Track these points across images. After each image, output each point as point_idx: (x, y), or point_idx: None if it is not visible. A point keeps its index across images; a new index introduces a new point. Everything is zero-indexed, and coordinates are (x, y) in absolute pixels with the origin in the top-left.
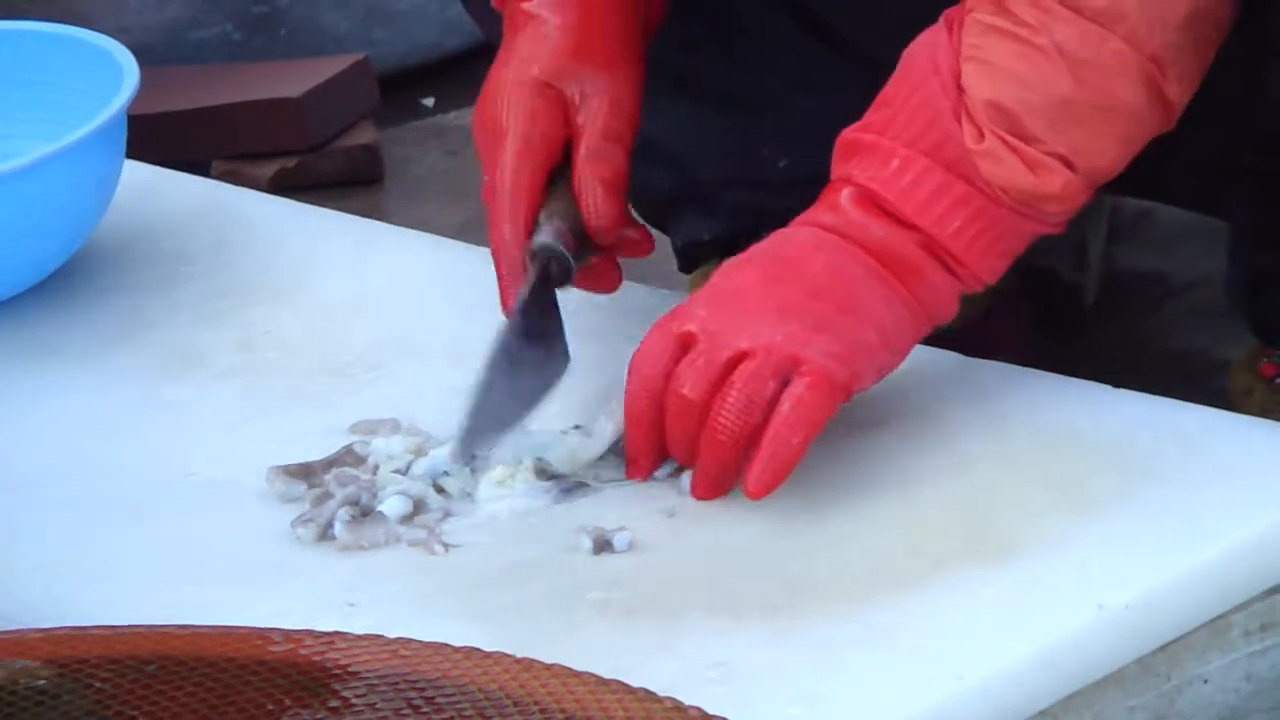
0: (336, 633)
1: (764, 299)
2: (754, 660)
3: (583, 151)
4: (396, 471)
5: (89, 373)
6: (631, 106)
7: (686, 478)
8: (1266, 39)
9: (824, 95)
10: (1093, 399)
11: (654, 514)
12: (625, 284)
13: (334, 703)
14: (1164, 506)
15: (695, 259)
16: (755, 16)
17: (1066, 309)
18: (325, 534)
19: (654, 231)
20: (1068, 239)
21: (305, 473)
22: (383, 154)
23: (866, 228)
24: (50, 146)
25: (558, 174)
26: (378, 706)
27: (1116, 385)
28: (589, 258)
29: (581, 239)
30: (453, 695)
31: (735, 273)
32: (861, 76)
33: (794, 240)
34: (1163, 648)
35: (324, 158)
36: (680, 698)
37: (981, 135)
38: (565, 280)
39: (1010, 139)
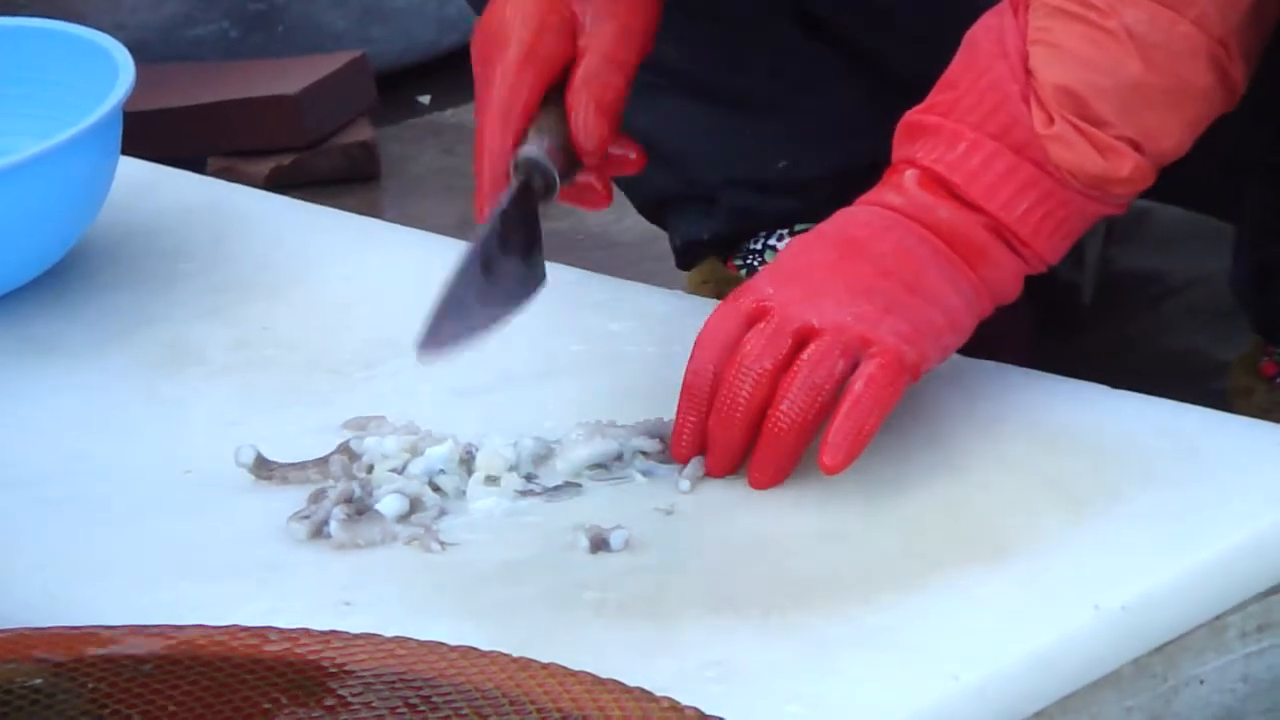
0: (333, 631)
1: (833, 276)
2: (751, 660)
3: (581, 71)
4: (393, 470)
5: (85, 370)
6: (641, 36)
7: (684, 479)
8: None
9: (824, 96)
10: (1090, 399)
11: (651, 513)
12: (624, 282)
13: (330, 701)
14: (1161, 507)
15: (694, 258)
16: (756, 18)
17: (1064, 309)
18: (321, 532)
19: (654, 229)
20: None
21: (284, 470)
22: (379, 151)
23: (934, 210)
24: (45, 144)
25: (554, 93)
26: (374, 705)
27: (1114, 385)
28: (575, 176)
29: (570, 158)
30: (449, 694)
31: (804, 250)
32: (862, 78)
33: (861, 219)
34: (1159, 649)
35: (321, 155)
36: (677, 697)
37: (1051, 119)
38: (548, 195)
39: (1080, 123)
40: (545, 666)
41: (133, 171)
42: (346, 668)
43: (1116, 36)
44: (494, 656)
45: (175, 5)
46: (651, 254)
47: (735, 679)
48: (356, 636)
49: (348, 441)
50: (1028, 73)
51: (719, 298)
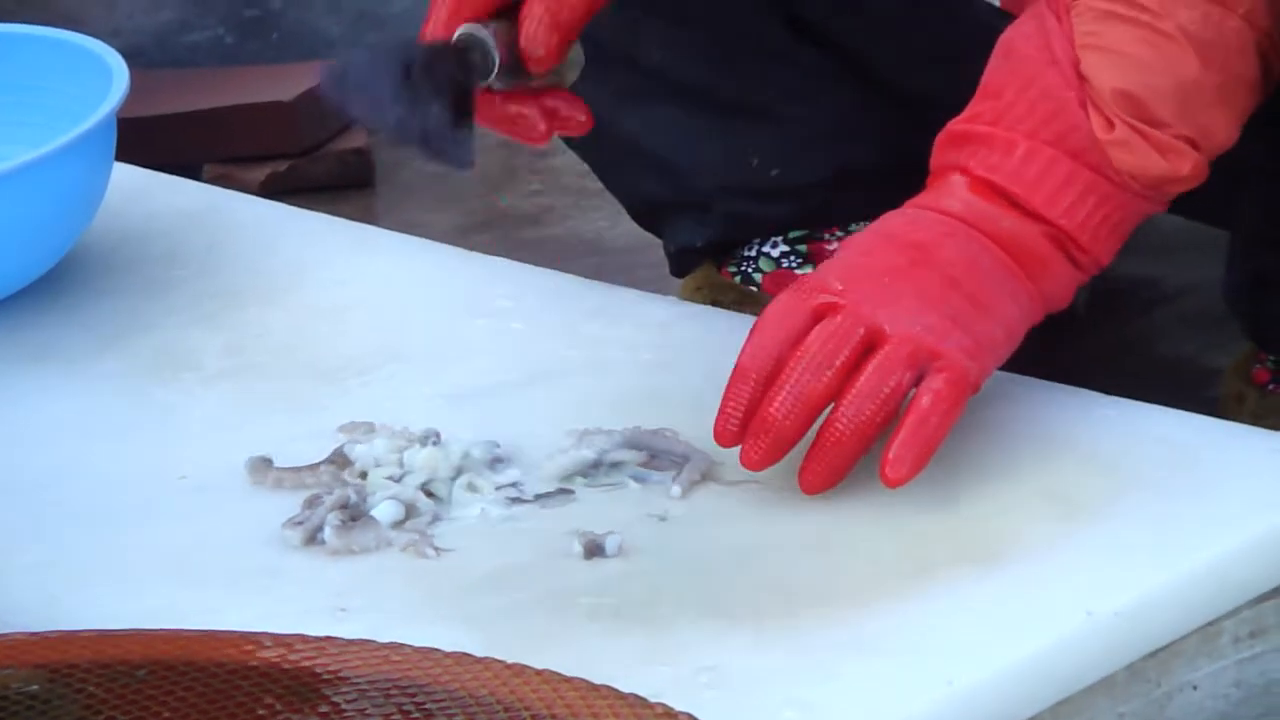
0: (327, 638)
1: (903, 282)
2: (745, 665)
3: None
4: (390, 478)
5: (79, 376)
6: None
7: (677, 485)
8: None
9: (816, 102)
10: (1083, 405)
11: (645, 518)
12: (617, 289)
13: (324, 708)
14: (1154, 513)
15: (688, 264)
16: (748, 25)
17: (1058, 315)
18: (315, 538)
19: (647, 235)
20: None
21: (288, 477)
22: (373, 158)
23: (995, 219)
24: (39, 151)
25: (510, 12)
26: (368, 712)
27: (1107, 391)
28: (515, 85)
29: (515, 62)
30: (443, 701)
31: (871, 251)
32: (853, 84)
33: (924, 224)
34: (1152, 654)
35: (315, 161)
36: (671, 703)
37: (1111, 124)
38: (486, 74)
39: (1140, 125)
40: (539, 673)
41: (127, 177)
42: (341, 674)
43: (1172, 38)
44: (488, 663)
45: (171, 11)
46: (645, 260)
47: (729, 685)
48: (351, 642)
49: (341, 447)
50: (1080, 78)
51: (713, 305)
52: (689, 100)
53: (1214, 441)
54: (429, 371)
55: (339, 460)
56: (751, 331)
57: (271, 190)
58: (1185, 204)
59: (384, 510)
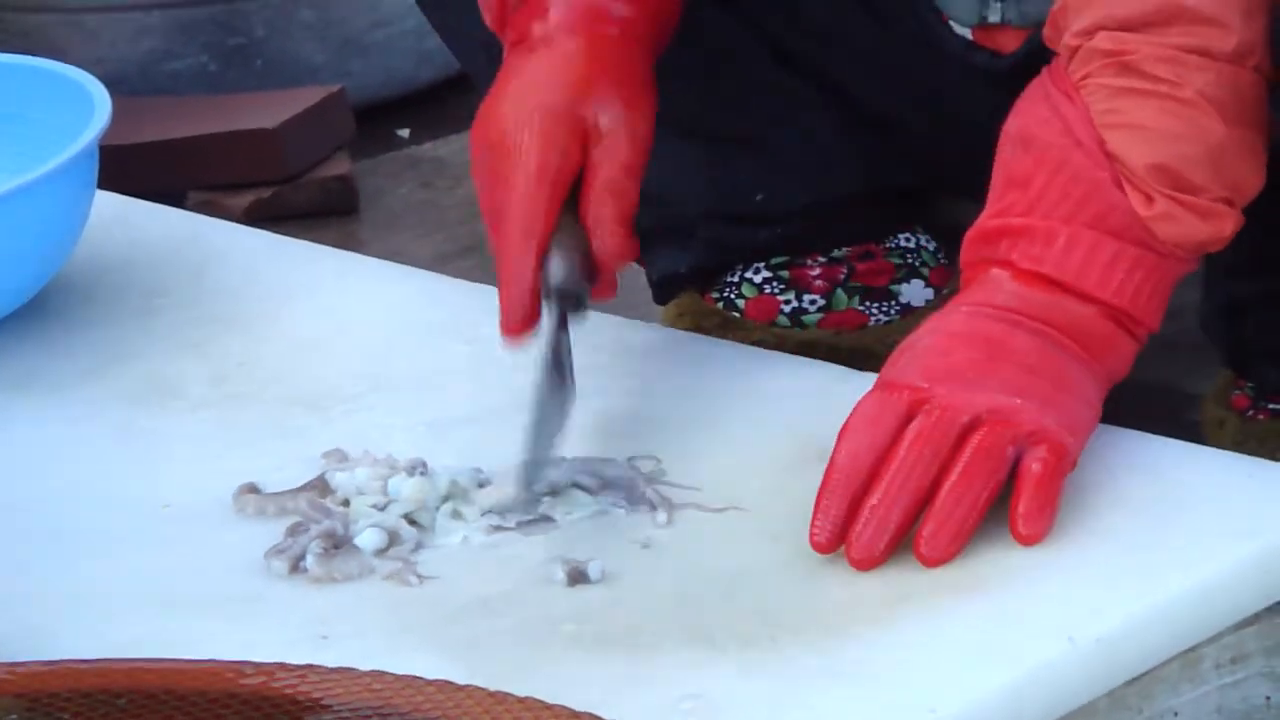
0: (309, 666)
1: (985, 375)
2: (728, 693)
3: (600, 185)
4: (374, 506)
5: (62, 405)
6: (647, 139)
7: (661, 512)
8: None
9: (799, 129)
10: None
11: (628, 545)
12: (600, 315)
13: None
14: (1135, 539)
15: (671, 291)
16: (731, 52)
17: None
18: (298, 566)
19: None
20: None
21: (270, 503)
22: (358, 185)
23: (1050, 308)
24: (20, 179)
25: (567, 201)
26: None
27: None
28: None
29: (591, 268)
30: None
31: (948, 350)
32: (837, 111)
33: (982, 320)
34: (1134, 680)
35: (299, 189)
36: None
37: (1150, 199)
38: (579, 313)
39: (1179, 195)
40: (522, 700)
41: (110, 205)
42: (323, 702)
43: (1195, 104)
44: (470, 690)
45: (154, 40)
46: (627, 286)
47: (712, 712)
48: (333, 670)
49: (321, 475)
50: (1108, 157)
51: (696, 330)
52: (672, 127)
53: (1195, 467)
54: (413, 398)
55: (320, 486)
56: (841, 436)
57: (256, 217)
58: None
59: (367, 538)
